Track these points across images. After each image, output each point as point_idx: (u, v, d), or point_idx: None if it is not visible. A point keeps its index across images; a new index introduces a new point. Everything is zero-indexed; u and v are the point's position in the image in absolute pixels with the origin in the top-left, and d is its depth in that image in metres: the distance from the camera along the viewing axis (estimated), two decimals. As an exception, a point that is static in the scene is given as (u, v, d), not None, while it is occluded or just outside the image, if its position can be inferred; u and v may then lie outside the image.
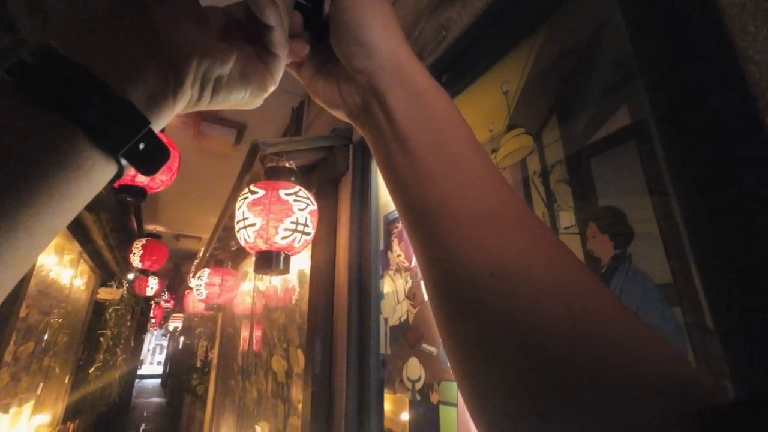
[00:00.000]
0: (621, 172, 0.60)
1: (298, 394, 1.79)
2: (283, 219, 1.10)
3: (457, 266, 0.26)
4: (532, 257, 0.25)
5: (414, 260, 1.09)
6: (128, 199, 1.50)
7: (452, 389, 0.87)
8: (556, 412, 0.20)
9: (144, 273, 4.36)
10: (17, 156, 0.21)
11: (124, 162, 0.26)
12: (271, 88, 0.35)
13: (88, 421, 5.72)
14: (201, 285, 2.65)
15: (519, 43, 0.83)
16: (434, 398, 0.92)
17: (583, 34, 0.69)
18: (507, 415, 0.22)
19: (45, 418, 3.91)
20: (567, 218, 0.68)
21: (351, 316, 1.24)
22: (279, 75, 0.35)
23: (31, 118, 0.22)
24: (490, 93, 0.91)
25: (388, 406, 1.09)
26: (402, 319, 1.09)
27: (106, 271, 5.24)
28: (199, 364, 5.70)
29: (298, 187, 1.20)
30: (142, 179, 1.49)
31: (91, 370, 5.21)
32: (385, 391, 1.11)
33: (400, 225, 1.17)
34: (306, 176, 1.60)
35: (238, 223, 1.17)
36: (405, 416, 1.01)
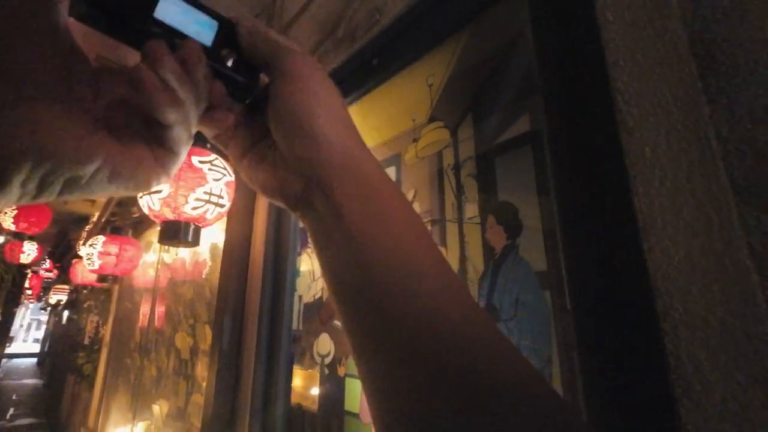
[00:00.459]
0: (518, 172, 0.68)
1: (203, 371, 1.73)
2: (195, 188, 1.04)
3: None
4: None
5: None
6: None
7: (358, 363, 0.92)
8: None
9: (18, 237, 3.74)
10: None
11: None
12: (163, 181, 0.29)
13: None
14: (93, 254, 2.37)
15: (445, 39, 0.87)
16: (341, 371, 0.96)
17: (499, 44, 0.76)
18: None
19: None
20: (471, 209, 0.75)
21: (264, 292, 1.22)
22: (175, 169, 0.30)
23: None
24: (416, 84, 0.94)
25: (297, 381, 1.11)
26: (316, 297, 1.11)
27: (-36, 233, 4.37)
28: (87, 341, 5.13)
29: (214, 156, 1.13)
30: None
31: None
32: (295, 366, 1.12)
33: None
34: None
35: (141, 188, 1.07)
36: (314, 390, 1.04)
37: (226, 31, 0.31)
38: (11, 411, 7.67)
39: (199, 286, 2.01)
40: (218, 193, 1.08)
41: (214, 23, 0.31)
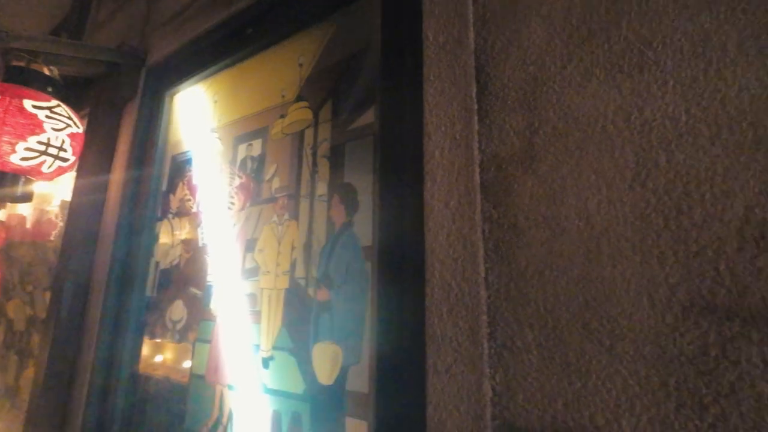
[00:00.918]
0: (361, 158, 0.77)
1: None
2: (26, 136, 0.92)
3: None
4: None
5: (198, 206, 1.08)
6: None
7: (209, 328, 0.94)
8: None
9: None
10: None
11: None
12: None
13: None
14: None
15: (317, 23, 0.91)
16: (192, 336, 0.97)
17: (359, 42, 0.83)
18: None
19: None
20: (322, 188, 0.82)
21: (116, 257, 1.14)
22: None
23: None
24: (288, 61, 0.97)
25: (146, 350, 1.08)
26: (174, 263, 1.09)
27: None
28: None
29: (55, 102, 1.00)
30: None
31: None
32: (147, 334, 1.09)
33: (191, 169, 1.13)
34: (77, 91, 1.32)
35: (-50, 128, 0.89)
36: (164, 356, 1.03)
37: None
38: None
39: (41, 248, 1.76)
40: (58, 145, 0.97)
41: None
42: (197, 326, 0.97)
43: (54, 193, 1.76)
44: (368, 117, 0.77)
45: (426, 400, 0.51)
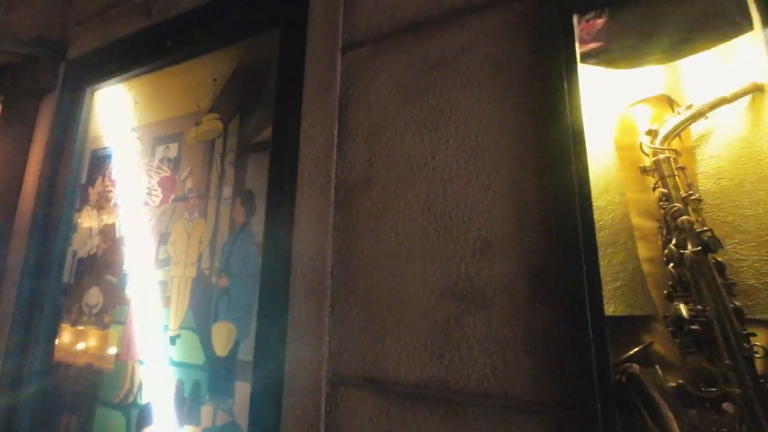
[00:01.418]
0: (260, 169, 0.92)
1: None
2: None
3: None
4: None
5: (116, 198, 1.16)
6: None
7: (124, 311, 1.04)
8: None
9: None
10: None
11: None
12: None
13: None
14: None
15: (230, 44, 1.03)
16: (107, 319, 1.07)
17: (264, 65, 0.96)
18: None
19: None
20: (227, 191, 0.96)
21: (30, 246, 1.19)
22: None
23: None
24: (203, 74, 1.08)
25: (63, 333, 1.16)
26: (91, 252, 1.16)
27: None
28: None
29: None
30: None
31: None
32: (63, 319, 1.16)
33: (111, 163, 1.20)
34: (-10, 77, 1.32)
35: None
36: (79, 339, 1.12)
37: None
38: None
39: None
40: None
41: None
42: (113, 310, 1.07)
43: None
44: (268, 133, 0.92)
45: (285, 362, 0.68)
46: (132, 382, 0.98)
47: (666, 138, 0.61)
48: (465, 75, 0.64)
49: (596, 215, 0.66)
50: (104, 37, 1.23)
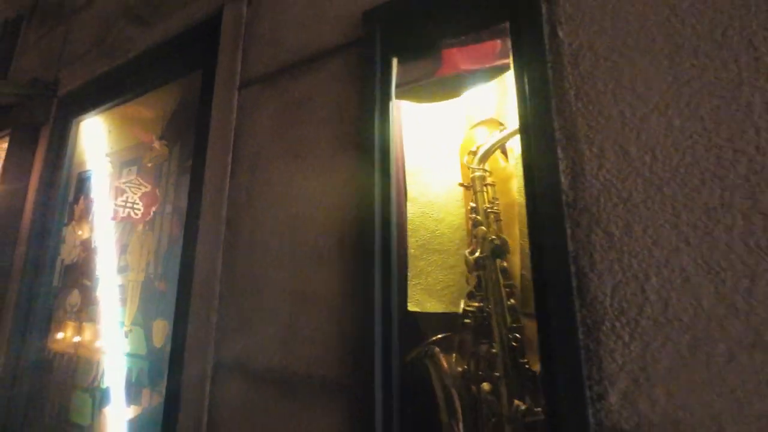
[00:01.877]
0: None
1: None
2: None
3: None
4: None
5: (94, 213, 1.37)
6: None
7: (95, 310, 1.24)
8: None
9: None
10: None
11: None
12: None
13: None
14: None
15: (171, 82, 1.20)
16: (83, 317, 1.27)
17: (192, 96, 1.13)
18: None
19: None
20: (169, 208, 1.13)
21: (29, 256, 1.42)
22: None
23: None
24: (155, 106, 1.26)
25: (52, 329, 1.37)
26: (74, 260, 1.37)
27: None
28: None
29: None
30: None
31: None
32: (52, 318, 1.38)
33: (89, 183, 1.41)
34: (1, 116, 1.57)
35: None
36: (62, 335, 1.32)
37: None
38: None
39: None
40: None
41: None
42: (87, 309, 1.27)
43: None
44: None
45: (186, 349, 0.83)
46: (97, 370, 1.17)
47: (483, 158, 0.71)
48: (315, 113, 0.77)
49: (434, 226, 0.77)
50: (85, 76, 1.44)
